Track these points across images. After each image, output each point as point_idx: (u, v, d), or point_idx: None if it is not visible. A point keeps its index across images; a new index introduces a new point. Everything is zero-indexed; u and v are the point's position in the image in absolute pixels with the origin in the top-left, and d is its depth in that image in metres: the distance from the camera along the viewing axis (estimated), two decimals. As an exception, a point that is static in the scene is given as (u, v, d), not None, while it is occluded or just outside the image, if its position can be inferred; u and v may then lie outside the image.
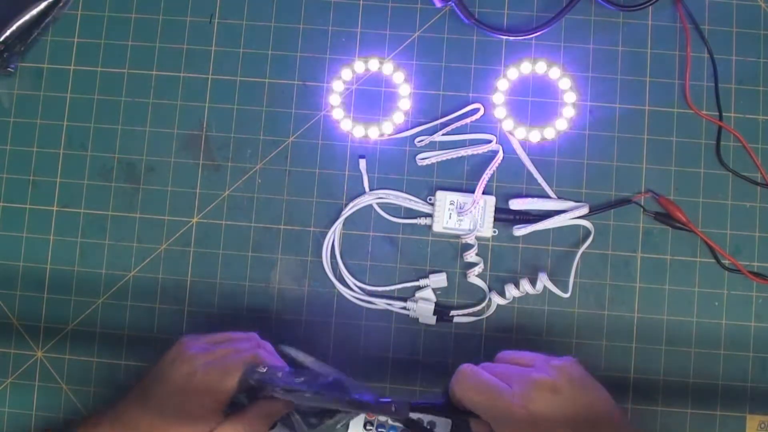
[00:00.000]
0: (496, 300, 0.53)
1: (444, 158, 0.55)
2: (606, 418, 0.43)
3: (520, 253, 0.54)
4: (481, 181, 0.53)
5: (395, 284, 0.54)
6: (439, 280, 0.54)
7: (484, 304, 0.54)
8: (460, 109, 0.55)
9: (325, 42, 0.56)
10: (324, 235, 0.54)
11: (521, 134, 0.55)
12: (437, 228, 0.53)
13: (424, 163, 0.55)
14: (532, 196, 0.54)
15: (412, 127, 0.55)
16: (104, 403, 0.54)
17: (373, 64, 0.55)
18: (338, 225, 0.54)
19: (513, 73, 0.55)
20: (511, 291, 0.53)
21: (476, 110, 0.55)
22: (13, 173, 0.56)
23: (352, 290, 0.54)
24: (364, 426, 0.52)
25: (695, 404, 0.53)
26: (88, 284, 0.55)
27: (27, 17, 0.55)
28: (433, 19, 0.56)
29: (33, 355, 0.55)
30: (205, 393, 0.45)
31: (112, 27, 0.57)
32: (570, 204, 0.54)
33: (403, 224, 0.55)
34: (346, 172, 0.55)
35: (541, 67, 0.55)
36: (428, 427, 0.50)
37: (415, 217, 0.54)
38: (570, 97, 0.55)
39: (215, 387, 0.45)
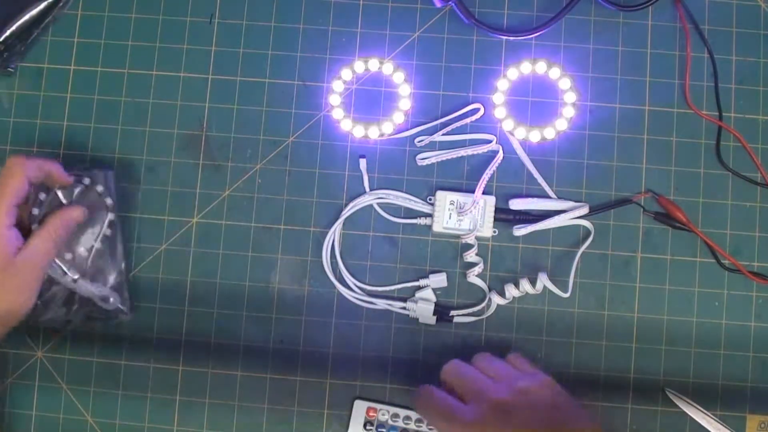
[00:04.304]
0: (496, 300, 0.53)
1: (444, 158, 0.55)
2: None
3: (520, 253, 0.54)
4: (481, 181, 0.53)
5: (395, 284, 0.54)
6: (439, 280, 0.54)
7: (484, 304, 0.54)
8: (460, 109, 0.55)
9: (325, 42, 0.56)
10: (324, 235, 0.54)
11: (521, 134, 0.55)
12: (437, 228, 0.53)
13: (424, 163, 0.55)
14: (532, 196, 0.54)
15: (412, 127, 0.55)
16: (104, 405, 0.54)
17: (373, 64, 0.56)
18: (338, 225, 0.54)
19: (513, 73, 0.55)
20: (511, 291, 0.53)
21: (476, 110, 0.55)
22: (13, 173, 0.56)
23: (352, 290, 0.54)
24: (364, 426, 0.53)
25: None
26: (88, 284, 0.55)
27: (27, 17, 0.55)
28: (433, 19, 0.56)
29: (33, 355, 0.55)
30: None
31: (112, 27, 0.57)
32: (570, 204, 0.54)
33: (403, 224, 0.55)
34: (346, 172, 0.55)
35: (541, 67, 0.55)
36: None
37: (415, 217, 0.54)
38: (570, 97, 0.55)
39: None
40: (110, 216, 0.52)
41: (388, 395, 0.53)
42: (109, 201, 0.52)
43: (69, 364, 0.54)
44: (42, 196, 0.50)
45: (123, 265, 0.53)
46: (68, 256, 0.51)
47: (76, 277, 0.51)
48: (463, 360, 0.48)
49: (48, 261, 0.48)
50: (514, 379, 0.45)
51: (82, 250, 0.51)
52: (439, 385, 0.47)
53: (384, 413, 0.53)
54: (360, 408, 0.53)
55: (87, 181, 0.52)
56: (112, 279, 0.52)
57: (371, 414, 0.53)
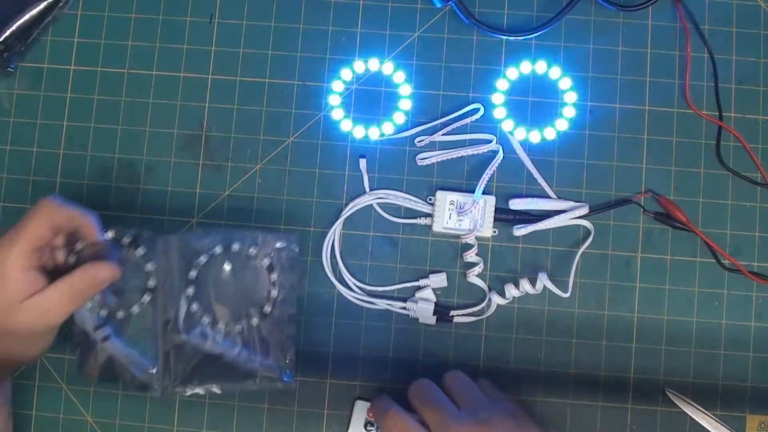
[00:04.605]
0: (496, 300, 0.53)
1: (444, 158, 0.55)
2: None
3: (520, 253, 0.54)
4: (481, 181, 0.53)
5: (395, 284, 0.54)
6: (439, 280, 0.54)
7: (484, 304, 0.54)
8: (460, 109, 0.55)
9: (325, 42, 0.56)
10: (324, 235, 0.54)
11: (521, 134, 0.55)
12: (437, 228, 0.53)
13: (424, 163, 0.55)
14: (532, 196, 0.54)
15: (412, 127, 0.55)
16: (104, 405, 0.54)
17: (373, 64, 0.56)
18: (338, 225, 0.54)
19: (513, 73, 0.55)
20: (511, 291, 0.53)
21: (476, 110, 0.55)
22: (13, 173, 0.56)
23: (352, 290, 0.54)
24: (365, 426, 0.53)
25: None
26: (88, 284, 0.55)
27: (27, 17, 0.55)
28: (433, 19, 0.56)
29: (33, 355, 0.55)
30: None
31: (112, 27, 0.57)
32: (570, 204, 0.54)
33: (403, 224, 0.55)
34: (346, 172, 0.55)
35: (541, 67, 0.55)
36: None
37: (415, 217, 0.54)
38: (570, 97, 0.55)
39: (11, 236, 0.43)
40: (150, 283, 0.50)
41: (388, 395, 0.53)
42: (149, 267, 0.50)
43: (69, 364, 0.54)
44: (78, 244, 0.47)
45: (162, 335, 0.50)
46: (103, 312, 0.49)
47: (105, 334, 0.49)
48: (433, 379, 0.48)
49: (60, 314, 0.44)
50: (479, 407, 0.45)
51: (120, 309, 0.49)
52: (399, 400, 0.47)
53: (384, 413, 0.53)
54: (360, 408, 0.53)
55: (127, 240, 0.49)
56: (144, 347, 0.49)
57: (371, 414, 0.53)
